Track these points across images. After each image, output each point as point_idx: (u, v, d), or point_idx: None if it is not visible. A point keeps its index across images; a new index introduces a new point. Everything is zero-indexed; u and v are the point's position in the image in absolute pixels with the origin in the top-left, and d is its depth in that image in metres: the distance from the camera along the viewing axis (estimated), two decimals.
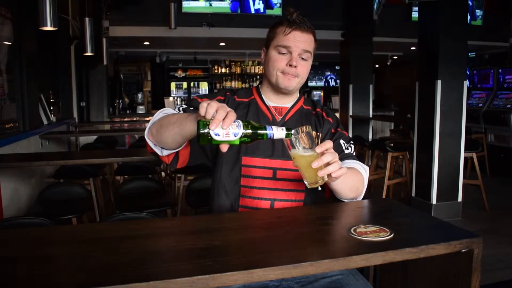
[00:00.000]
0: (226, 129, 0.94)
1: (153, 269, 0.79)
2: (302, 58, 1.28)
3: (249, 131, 0.97)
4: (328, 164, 1.04)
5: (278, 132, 1.01)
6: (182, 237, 1.02)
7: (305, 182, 1.08)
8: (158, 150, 1.20)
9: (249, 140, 0.98)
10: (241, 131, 0.96)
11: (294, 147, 1.04)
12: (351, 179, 1.23)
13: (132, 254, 0.87)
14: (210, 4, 5.51)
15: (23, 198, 3.23)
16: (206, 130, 0.93)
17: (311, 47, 1.30)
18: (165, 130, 1.12)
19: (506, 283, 2.49)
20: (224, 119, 0.93)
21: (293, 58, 1.26)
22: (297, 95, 1.41)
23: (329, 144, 1.05)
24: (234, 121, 0.96)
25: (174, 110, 1.27)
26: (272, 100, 1.37)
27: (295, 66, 1.27)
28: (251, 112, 1.34)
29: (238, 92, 1.41)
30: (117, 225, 1.26)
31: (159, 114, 1.22)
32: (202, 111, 0.95)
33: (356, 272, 1.21)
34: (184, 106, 1.31)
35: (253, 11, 5.62)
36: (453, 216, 3.65)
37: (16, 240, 1.01)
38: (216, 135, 0.93)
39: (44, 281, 0.77)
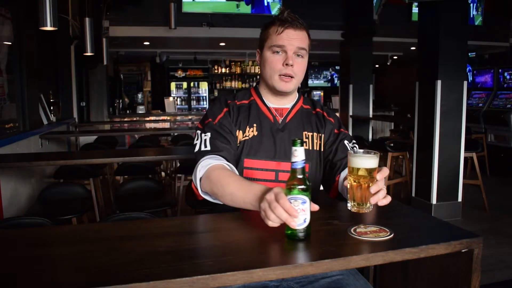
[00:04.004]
0: (299, 214, 0.93)
1: (153, 269, 0.79)
2: (298, 55, 1.27)
3: (304, 188, 0.94)
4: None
5: None
6: (182, 237, 1.01)
7: (349, 204, 1.09)
8: (216, 201, 1.20)
9: (310, 190, 0.95)
10: (304, 199, 0.94)
11: (358, 156, 1.05)
12: None
13: (132, 254, 0.87)
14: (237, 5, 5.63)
15: (23, 198, 3.23)
16: (292, 231, 0.93)
17: (306, 43, 1.28)
18: (223, 199, 1.14)
19: (506, 283, 2.49)
20: (289, 213, 0.90)
21: (289, 57, 1.25)
22: (296, 95, 1.40)
23: (386, 172, 1.06)
24: (290, 201, 0.92)
25: (201, 145, 1.27)
26: (271, 101, 1.36)
27: (291, 65, 1.25)
28: (252, 114, 1.34)
29: (237, 95, 1.39)
30: (117, 225, 1.26)
31: (201, 169, 1.21)
32: (270, 225, 0.93)
33: (356, 272, 1.21)
34: (209, 135, 1.27)
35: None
36: (453, 216, 3.65)
37: (16, 240, 1.01)
38: (300, 225, 0.93)
39: (44, 281, 0.77)
